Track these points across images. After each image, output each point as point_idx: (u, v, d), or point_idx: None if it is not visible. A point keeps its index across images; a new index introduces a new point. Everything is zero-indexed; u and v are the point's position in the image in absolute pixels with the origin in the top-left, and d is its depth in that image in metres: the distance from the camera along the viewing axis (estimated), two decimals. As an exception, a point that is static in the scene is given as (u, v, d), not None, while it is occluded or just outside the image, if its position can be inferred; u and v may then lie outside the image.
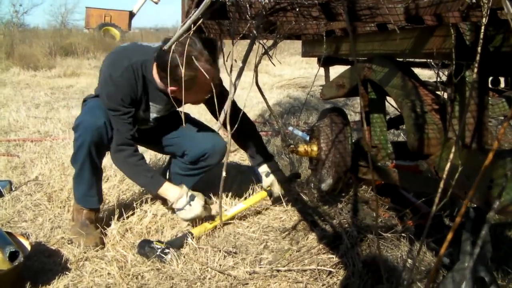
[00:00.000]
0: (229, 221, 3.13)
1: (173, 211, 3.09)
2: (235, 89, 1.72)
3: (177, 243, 2.79)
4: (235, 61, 1.80)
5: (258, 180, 3.44)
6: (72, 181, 3.07)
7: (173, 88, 2.70)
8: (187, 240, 2.81)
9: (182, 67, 2.38)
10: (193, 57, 2.51)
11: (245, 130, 3.03)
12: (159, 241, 2.75)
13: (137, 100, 2.88)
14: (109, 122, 2.86)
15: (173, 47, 2.18)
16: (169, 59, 2.47)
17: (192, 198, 2.91)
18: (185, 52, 2.29)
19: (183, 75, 2.42)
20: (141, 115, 2.98)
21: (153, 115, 3.05)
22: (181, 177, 3.30)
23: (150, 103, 2.97)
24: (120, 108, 2.81)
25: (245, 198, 3.47)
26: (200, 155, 3.22)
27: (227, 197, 3.51)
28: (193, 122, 3.32)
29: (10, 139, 5.56)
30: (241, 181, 3.77)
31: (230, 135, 1.82)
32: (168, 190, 2.95)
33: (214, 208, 3.18)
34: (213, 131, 3.35)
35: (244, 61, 1.65)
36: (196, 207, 2.91)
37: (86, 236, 2.86)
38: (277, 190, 3.24)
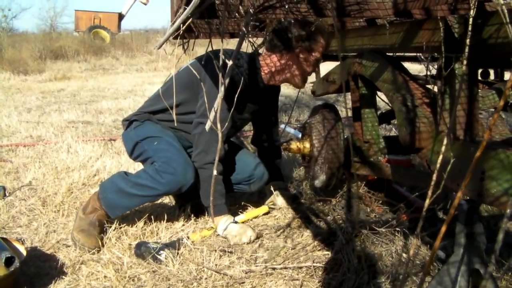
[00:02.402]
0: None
1: (175, 211, 3.19)
2: (225, 87, 1.72)
3: (172, 246, 2.79)
4: (226, 59, 1.80)
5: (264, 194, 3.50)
6: (69, 184, 3.07)
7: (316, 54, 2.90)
8: (182, 242, 2.81)
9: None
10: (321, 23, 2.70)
11: (272, 155, 3.34)
12: (155, 242, 2.75)
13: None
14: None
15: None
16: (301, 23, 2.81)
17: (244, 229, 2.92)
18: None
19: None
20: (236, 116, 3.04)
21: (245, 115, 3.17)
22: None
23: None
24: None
25: (247, 209, 3.45)
26: (246, 178, 3.26)
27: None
28: (237, 145, 3.41)
29: (2, 144, 5.54)
30: (245, 193, 3.76)
31: (220, 134, 1.81)
32: (223, 219, 2.95)
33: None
34: (255, 157, 3.41)
35: (234, 59, 1.65)
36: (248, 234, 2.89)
37: (88, 236, 2.84)
38: (280, 203, 3.30)
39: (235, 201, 3.55)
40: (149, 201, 3.02)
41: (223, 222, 2.91)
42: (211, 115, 1.92)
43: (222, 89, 1.67)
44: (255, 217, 3.23)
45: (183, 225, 3.09)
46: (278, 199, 3.30)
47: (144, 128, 3.03)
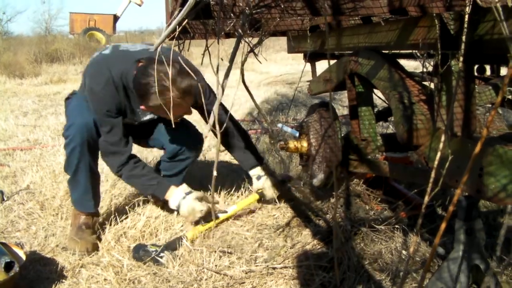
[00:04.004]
0: (223, 221, 3.13)
1: (173, 211, 3.13)
2: (223, 90, 1.72)
3: (171, 246, 2.79)
4: (222, 59, 1.80)
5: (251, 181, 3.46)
6: (67, 187, 3.08)
7: (143, 108, 2.81)
8: (181, 242, 2.81)
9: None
10: (165, 86, 2.60)
11: (232, 132, 3.21)
12: (153, 245, 2.75)
13: (122, 109, 2.91)
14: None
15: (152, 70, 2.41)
16: (143, 84, 2.65)
17: (188, 194, 2.96)
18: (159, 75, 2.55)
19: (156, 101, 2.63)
20: (130, 119, 2.99)
21: (143, 118, 3.07)
22: (169, 178, 3.32)
23: (137, 110, 2.98)
24: (109, 119, 2.84)
25: (238, 197, 3.47)
26: (178, 149, 3.29)
27: (219, 195, 3.50)
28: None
29: (-1, 148, 5.53)
30: (233, 180, 3.77)
31: (219, 134, 1.81)
32: (172, 192, 2.98)
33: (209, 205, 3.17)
34: (192, 126, 3.43)
35: (231, 61, 1.65)
36: (190, 203, 2.94)
37: (78, 241, 2.87)
38: (269, 194, 3.27)
39: (226, 191, 3.58)
40: (84, 170, 2.94)
41: (173, 199, 2.97)
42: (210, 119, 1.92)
43: (219, 91, 1.67)
44: (247, 206, 3.24)
45: (182, 225, 3.09)
46: (265, 185, 3.25)
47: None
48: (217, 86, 1.70)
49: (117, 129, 2.87)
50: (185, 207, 2.93)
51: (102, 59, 2.92)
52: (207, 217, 3.01)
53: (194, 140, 3.36)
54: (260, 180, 3.26)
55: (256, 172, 3.27)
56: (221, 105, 3.07)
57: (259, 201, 3.29)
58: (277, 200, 3.29)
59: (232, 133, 3.22)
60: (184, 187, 3.01)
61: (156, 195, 3.07)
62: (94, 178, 3.02)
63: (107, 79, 2.77)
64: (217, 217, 3.08)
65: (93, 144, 2.89)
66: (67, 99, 3.14)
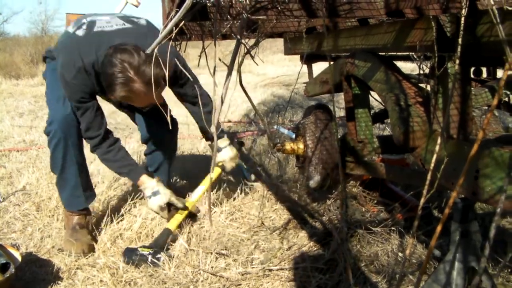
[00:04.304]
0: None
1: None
2: (223, 101, 1.73)
3: (159, 243, 2.78)
4: (220, 59, 1.80)
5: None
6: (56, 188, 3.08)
7: (112, 97, 2.75)
8: (168, 237, 2.85)
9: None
10: (129, 77, 2.53)
11: (198, 103, 3.13)
12: (143, 247, 2.74)
13: (96, 93, 2.87)
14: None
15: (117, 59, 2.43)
16: (108, 75, 2.56)
17: (155, 193, 2.91)
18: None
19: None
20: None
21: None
22: (154, 173, 3.35)
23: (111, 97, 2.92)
24: (81, 105, 2.77)
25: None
26: (148, 136, 3.34)
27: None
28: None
29: (-5, 149, 5.52)
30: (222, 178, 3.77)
31: (215, 137, 1.81)
32: (144, 183, 2.94)
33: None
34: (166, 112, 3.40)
35: (231, 66, 1.65)
36: (152, 201, 2.92)
37: (74, 242, 2.86)
38: (229, 166, 3.28)
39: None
40: (71, 164, 2.95)
41: (146, 191, 2.94)
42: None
43: (217, 94, 1.67)
44: (214, 182, 3.23)
45: (179, 227, 3.08)
46: (226, 157, 3.25)
47: None
48: (214, 87, 1.70)
49: (90, 113, 2.80)
50: (152, 204, 2.93)
51: (75, 44, 2.78)
52: (182, 206, 3.02)
53: (165, 127, 3.25)
54: (222, 153, 3.25)
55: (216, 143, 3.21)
56: (197, 84, 3.08)
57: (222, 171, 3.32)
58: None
59: (199, 104, 3.14)
60: (153, 184, 2.94)
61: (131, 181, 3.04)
62: (82, 171, 3.01)
63: (79, 68, 2.68)
64: (198, 211, 3.18)
65: (76, 137, 2.88)
66: (44, 59, 3.11)
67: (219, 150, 3.24)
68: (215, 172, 3.25)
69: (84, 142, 2.94)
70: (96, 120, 2.84)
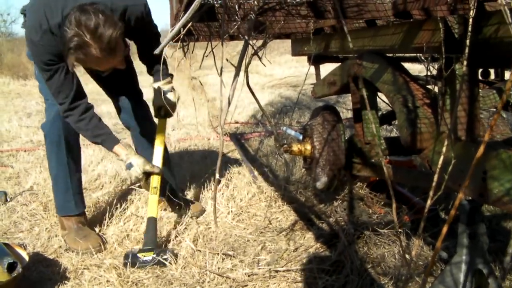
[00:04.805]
0: (226, 223, 3.14)
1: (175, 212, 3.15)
2: (234, 91, 1.73)
3: (150, 237, 2.78)
4: (227, 60, 1.80)
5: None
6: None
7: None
8: (156, 226, 2.86)
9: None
10: (85, 41, 2.39)
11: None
12: (141, 250, 2.72)
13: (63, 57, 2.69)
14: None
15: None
16: (66, 38, 2.42)
17: (129, 166, 2.84)
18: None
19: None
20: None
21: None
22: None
23: None
24: (50, 67, 2.66)
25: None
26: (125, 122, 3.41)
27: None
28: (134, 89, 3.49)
29: (3, 149, 5.55)
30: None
31: (221, 138, 1.81)
32: (119, 154, 2.85)
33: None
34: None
35: (238, 67, 1.65)
36: (130, 174, 2.89)
37: (86, 239, 2.86)
38: (172, 99, 3.14)
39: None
40: (62, 168, 2.97)
41: (121, 160, 2.89)
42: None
43: (225, 95, 1.67)
44: (164, 132, 3.21)
45: (185, 228, 3.08)
46: (168, 98, 3.12)
47: None
48: (221, 87, 1.71)
49: (59, 75, 2.69)
50: (131, 176, 2.97)
51: (42, 3, 2.64)
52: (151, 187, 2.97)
53: (138, 112, 3.35)
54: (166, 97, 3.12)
55: (157, 84, 3.14)
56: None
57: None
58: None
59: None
60: (125, 157, 2.84)
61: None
62: (73, 174, 3.01)
63: (45, 30, 2.57)
64: (204, 211, 3.29)
65: (71, 137, 2.89)
66: (23, 12, 2.96)
67: (164, 93, 3.09)
68: (161, 123, 3.21)
69: (83, 141, 2.92)
70: (65, 84, 2.71)
